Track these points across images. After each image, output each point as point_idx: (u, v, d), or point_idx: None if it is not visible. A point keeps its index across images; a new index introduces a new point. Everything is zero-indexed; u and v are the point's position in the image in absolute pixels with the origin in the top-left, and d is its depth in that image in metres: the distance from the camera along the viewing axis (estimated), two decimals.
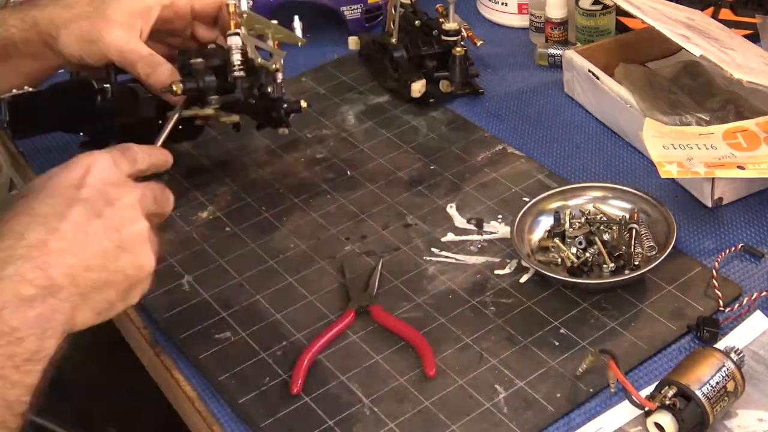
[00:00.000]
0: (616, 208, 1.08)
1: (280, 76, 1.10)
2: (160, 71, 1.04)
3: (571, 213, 1.07)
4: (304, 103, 1.14)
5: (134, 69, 1.05)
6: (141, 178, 0.87)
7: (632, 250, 1.02)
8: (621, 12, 1.33)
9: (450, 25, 1.30)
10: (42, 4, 1.07)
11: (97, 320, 0.78)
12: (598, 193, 1.09)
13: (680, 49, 1.17)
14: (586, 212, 1.08)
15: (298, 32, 1.15)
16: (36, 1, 1.08)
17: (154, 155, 0.89)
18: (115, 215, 0.79)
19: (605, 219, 1.07)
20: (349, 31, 1.45)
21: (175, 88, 1.03)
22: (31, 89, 1.04)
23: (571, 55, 1.29)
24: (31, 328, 0.72)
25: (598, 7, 1.36)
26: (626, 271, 1.01)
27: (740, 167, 1.05)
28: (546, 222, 1.08)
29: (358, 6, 1.45)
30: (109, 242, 0.78)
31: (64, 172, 0.81)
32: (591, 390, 0.91)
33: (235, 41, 1.06)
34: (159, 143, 0.97)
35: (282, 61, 1.10)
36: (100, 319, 0.79)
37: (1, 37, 1.07)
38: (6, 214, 0.77)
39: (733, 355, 0.87)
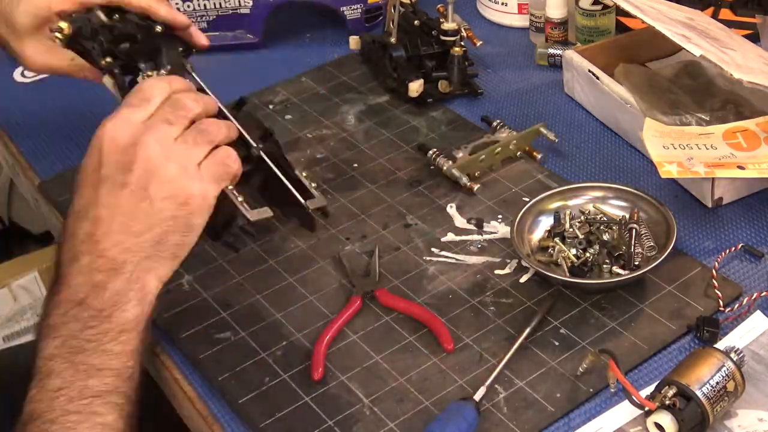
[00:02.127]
0: (616, 208, 1.08)
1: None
2: None
3: (571, 213, 1.07)
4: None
5: None
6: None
7: (632, 250, 1.02)
8: (621, 12, 1.33)
9: (449, 25, 1.30)
10: None
11: (175, 264, 0.86)
12: (598, 193, 1.09)
13: (680, 49, 1.17)
14: (586, 212, 1.08)
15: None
16: None
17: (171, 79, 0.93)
18: (138, 176, 0.84)
19: (605, 219, 1.07)
20: (349, 31, 1.45)
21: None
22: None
23: (571, 55, 1.29)
24: (114, 305, 0.82)
25: (598, 7, 1.36)
26: (626, 271, 1.01)
27: (740, 167, 1.05)
28: (546, 222, 1.08)
29: (358, 6, 1.45)
30: (144, 203, 0.84)
31: (85, 159, 0.87)
32: (591, 390, 0.92)
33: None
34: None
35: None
36: (178, 261, 0.86)
37: None
38: (65, 227, 0.87)
39: (733, 355, 0.87)
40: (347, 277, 1.05)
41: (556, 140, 1.20)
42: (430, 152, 1.19)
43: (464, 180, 1.15)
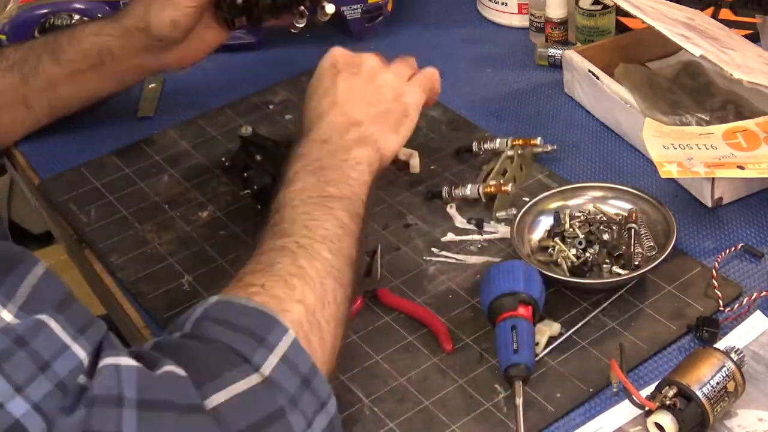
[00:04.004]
0: (616, 208, 1.08)
1: None
2: None
3: (571, 213, 1.07)
4: None
5: None
6: None
7: (632, 250, 1.02)
8: (621, 12, 1.33)
9: None
10: (127, 9, 1.22)
11: (398, 139, 1.03)
12: (598, 193, 1.09)
13: (680, 49, 1.17)
14: (586, 212, 1.08)
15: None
16: (124, 10, 1.23)
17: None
18: (366, 72, 1.05)
19: (605, 219, 1.07)
20: (351, 31, 1.45)
21: None
22: None
23: (571, 55, 1.29)
24: (354, 143, 0.99)
25: (598, 7, 1.36)
26: (626, 271, 1.01)
27: (740, 167, 1.05)
28: (546, 222, 1.08)
29: (359, 6, 1.45)
30: (372, 86, 1.04)
31: (316, 75, 1.06)
32: (591, 390, 0.92)
33: None
34: None
35: None
36: (401, 138, 1.04)
37: (98, 46, 1.21)
38: (305, 108, 1.05)
39: (733, 355, 0.87)
40: None
41: (555, 149, 1.20)
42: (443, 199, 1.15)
43: (502, 215, 1.11)
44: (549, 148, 1.19)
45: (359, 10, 1.45)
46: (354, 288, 0.89)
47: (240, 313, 0.77)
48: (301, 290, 0.82)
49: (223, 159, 1.23)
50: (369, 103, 1.03)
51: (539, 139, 1.19)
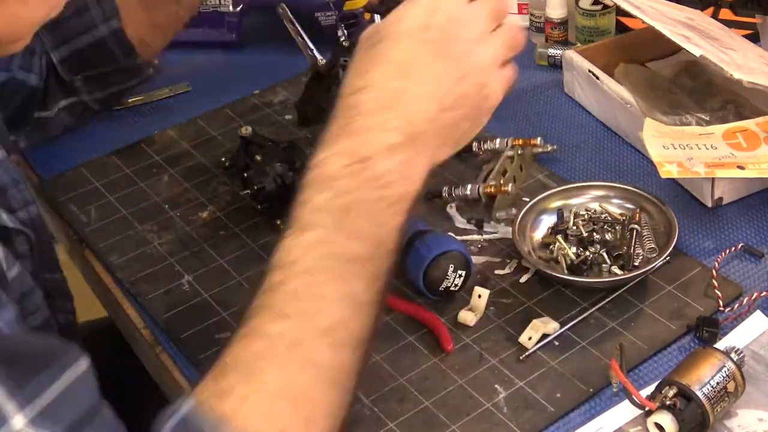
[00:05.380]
0: (619, 207, 1.08)
1: None
2: None
3: (575, 211, 1.07)
4: None
5: None
6: None
7: (632, 251, 1.02)
8: (621, 12, 1.33)
9: None
10: None
11: (454, 150, 0.81)
12: (600, 192, 1.09)
13: (680, 49, 1.17)
14: (591, 211, 1.08)
15: None
16: None
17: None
18: (461, 51, 0.80)
19: (609, 218, 1.07)
20: (326, 38, 1.42)
21: None
22: None
23: (571, 55, 1.29)
24: (400, 173, 0.76)
25: (598, 7, 1.36)
26: (624, 272, 1.01)
27: (740, 167, 1.05)
28: (547, 221, 1.08)
29: (333, 13, 1.40)
30: (458, 80, 0.79)
31: (409, 10, 0.80)
32: (591, 390, 0.91)
33: None
34: None
35: None
36: (457, 148, 0.81)
37: None
38: (362, 62, 0.79)
39: (733, 355, 0.87)
40: None
41: (555, 149, 1.20)
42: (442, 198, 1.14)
43: (502, 215, 1.11)
44: (549, 147, 1.19)
45: (334, 17, 1.41)
46: (366, 358, 0.76)
47: None
48: (280, 419, 0.70)
49: (223, 159, 1.23)
50: (443, 106, 0.79)
51: (539, 139, 1.19)
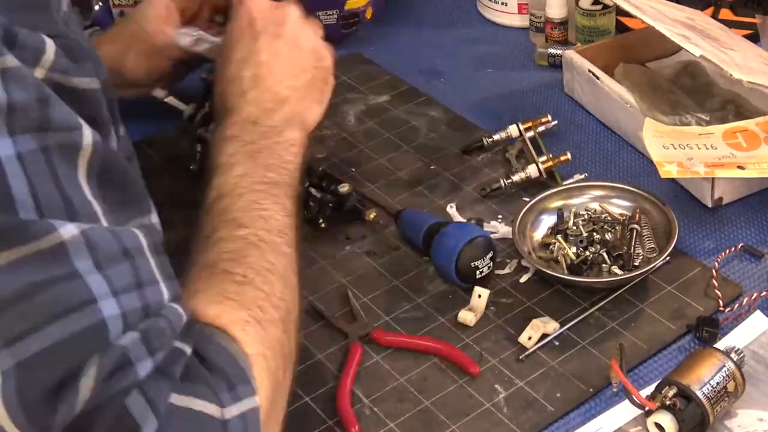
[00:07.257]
0: (619, 208, 1.08)
1: None
2: None
3: (576, 211, 1.07)
4: None
5: None
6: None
7: (632, 251, 1.02)
8: (621, 12, 1.33)
9: None
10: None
11: (321, 110, 1.02)
12: (600, 192, 1.10)
13: (680, 49, 1.17)
14: (591, 211, 1.08)
15: None
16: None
17: None
18: (289, 30, 1.02)
19: (609, 218, 1.07)
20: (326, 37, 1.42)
21: None
22: None
23: (571, 55, 1.30)
24: (284, 124, 0.96)
25: (598, 7, 1.36)
26: (627, 272, 1.01)
27: (740, 167, 1.05)
28: (548, 221, 1.08)
29: (334, 12, 1.40)
30: (296, 52, 1.02)
31: (233, 24, 1.02)
32: (591, 390, 0.92)
33: None
34: None
35: None
36: (323, 108, 1.02)
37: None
38: (224, 77, 1.01)
39: (733, 355, 0.87)
40: (334, 325, 1.00)
41: (555, 122, 1.23)
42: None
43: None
44: (551, 124, 1.23)
45: (335, 16, 1.41)
46: (302, 273, 0.85)
47: (216, 353, 0.71)
48: (280, 290, 0.79)
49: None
50: (294, 74, 1.00)
51: (549, 116, 1.23)
